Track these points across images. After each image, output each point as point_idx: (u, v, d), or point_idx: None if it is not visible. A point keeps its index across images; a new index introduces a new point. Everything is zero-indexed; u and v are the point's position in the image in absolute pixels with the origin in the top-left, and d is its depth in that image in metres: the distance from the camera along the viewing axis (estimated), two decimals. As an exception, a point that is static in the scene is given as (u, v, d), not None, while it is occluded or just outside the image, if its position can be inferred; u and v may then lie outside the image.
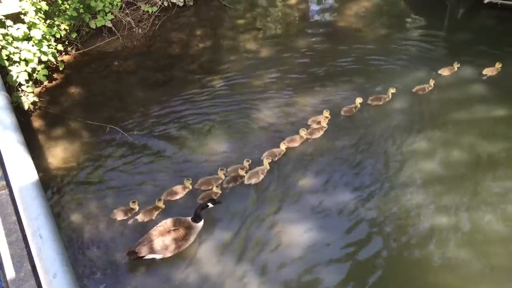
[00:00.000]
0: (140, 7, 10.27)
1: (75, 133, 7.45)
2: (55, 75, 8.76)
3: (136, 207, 5.90)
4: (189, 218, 5.54)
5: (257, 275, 5.12)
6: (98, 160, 6.87)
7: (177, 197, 6.11)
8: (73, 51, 9.37)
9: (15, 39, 7.55)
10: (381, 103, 7.51)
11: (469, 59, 8.43)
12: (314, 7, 11.05)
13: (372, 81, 8.14)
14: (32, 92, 7.90)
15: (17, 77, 7.51)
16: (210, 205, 5.64)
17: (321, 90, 7.99)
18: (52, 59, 8.15)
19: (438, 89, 7.74)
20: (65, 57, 9.23)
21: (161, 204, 5.92)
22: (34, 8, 7.82)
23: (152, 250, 5.22)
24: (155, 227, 5.45)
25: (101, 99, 8.25)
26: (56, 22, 8.37)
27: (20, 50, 7.54)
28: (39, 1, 7.97)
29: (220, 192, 6.08)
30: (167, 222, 5.45)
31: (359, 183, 6.19)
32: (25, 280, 4.45)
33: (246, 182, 6.23)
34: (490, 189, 5.95)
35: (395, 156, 6.56)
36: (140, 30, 10.01)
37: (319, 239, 5.49)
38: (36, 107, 7.98)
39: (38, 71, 7.92)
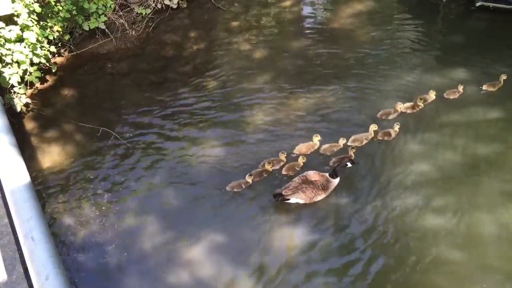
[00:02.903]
0: (134, 9, 10.25)
1: (67, 135, 7.41)
2: (47, 77, 8.72)
3: (250, 181, 6.22)
4: (327, 174, 6.02)
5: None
6: (90, 163, 6.85)
7: (277, 166, 6.51)
8: (66, 53, 9.33)
9: (7, 40, 7.51)
10: (494, 89, 7.65)
11: (462, 62, 8.48)
12: (307, 9, 11.07)
13: (367, 82, 8.15)
14: (25, 94, 7.85)
15: (9, 78, 7.46)
16: (349, 164, 6.05)
17: (316, 92, 8.00)
18: (44, 61, 8.11)
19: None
20: (58, 59, 9.19)
21: (269, 168, 6.37)
22: (27, 10, 7.78)
23: (296, 195, 5.79)
24: (299, 175, 6.01)
25: (94, 101, 8.22)
26: (49, 24, 8.33)
27: (13, 52, 7.50)
28: (32, 3, 7.93)
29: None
30: (310, 173, 6.00)
31: (354, 184, 6.21)
32: (17, 283, 4.43)
33: (379, 137, 6.79)
34: (485, 191, 5.98)
35: (390, 158, 6.59)
36: (133, 32, 9.99)
37: (313, 242, 5.51)
38: (29, 109, 7.94)
39: (31, 73, 7.88)
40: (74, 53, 9.31)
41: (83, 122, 7.58)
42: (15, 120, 7.49)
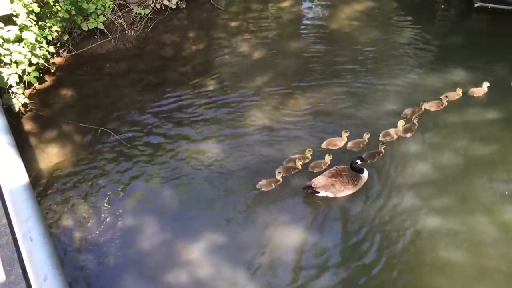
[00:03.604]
0: (133, 9, 10.24)
1: (66, 135, 7.40)
2: (46, 77, 8.70)
3: (281, 179, 6.19)
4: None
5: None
6: (89, 163, 6.84)
7: (306, 161, 6.53)
8: (65, 53, 9.31)
9: (6, 41, 7.49)
10: None
11: (461, 62, 8.49)
12: (306, 10, 11.08)
13: (366, 83, 8.17)
14: (23, 94, 7.84)
15: (8, 79, 7.45)
16: (359, 162, 6.05)
17: (314, 92, 8.01)
18: (43, 61, 8.09)
19: (430, 94, 7.79)
20: (57, 59, 9.17)
21: (299, 164, 6.37)
22: (26, 10, 7.76)
23: (326, 188, 5.82)
24: (329, 169, 6.04)
25: (93, 101, 8.21)
26: (48, 24, 8.32)
27: (11, 52, 7.48)
28: (31, 3, 7.92)
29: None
30: (339, 167, 6.03)
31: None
32: (16, 283, 4.42)
33: (402, 135, 6.83)
34: (483, 191, 6.00)
35: (388, 159, 6.59)
36: (132, 32, 9.98)
37: (311, 243, 5.51)
38: (27, 109, 7.93)
39: (29, 73, 7.86)
40: (73, 53, 9.30)
41: (81, 122, 7.56)
42: (13, 120, 7.47)
